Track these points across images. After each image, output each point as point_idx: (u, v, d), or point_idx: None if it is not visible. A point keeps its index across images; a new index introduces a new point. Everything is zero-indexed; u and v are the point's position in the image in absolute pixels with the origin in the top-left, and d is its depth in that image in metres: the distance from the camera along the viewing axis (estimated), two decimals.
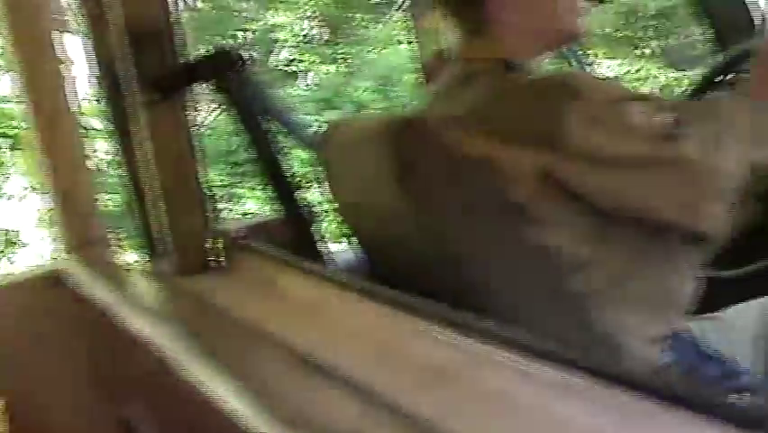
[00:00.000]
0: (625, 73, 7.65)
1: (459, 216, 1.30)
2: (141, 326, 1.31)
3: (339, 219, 1.59)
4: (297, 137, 1.64)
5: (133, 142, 1.57)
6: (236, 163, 5.79)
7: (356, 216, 1.53)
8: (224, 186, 5.70)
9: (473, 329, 0.93)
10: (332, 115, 6.02)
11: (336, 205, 1.57)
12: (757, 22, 2.22)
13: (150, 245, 1.70)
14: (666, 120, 1.27)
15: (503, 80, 1.41)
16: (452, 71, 1.51)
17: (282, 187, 1.53)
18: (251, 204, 5.46)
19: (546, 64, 1.54)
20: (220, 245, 1.60)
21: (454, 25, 1.51)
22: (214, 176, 5.66)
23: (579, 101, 1.28)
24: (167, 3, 1.51)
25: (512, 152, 1.31)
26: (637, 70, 7.77)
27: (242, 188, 5.63)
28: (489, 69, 1.43)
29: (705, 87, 2.02)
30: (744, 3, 2.18)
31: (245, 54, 1.53)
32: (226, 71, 1.50)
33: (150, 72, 1.48)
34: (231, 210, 5.50)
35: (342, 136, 1.49)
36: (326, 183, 1.57)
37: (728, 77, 2.05)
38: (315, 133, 1.63)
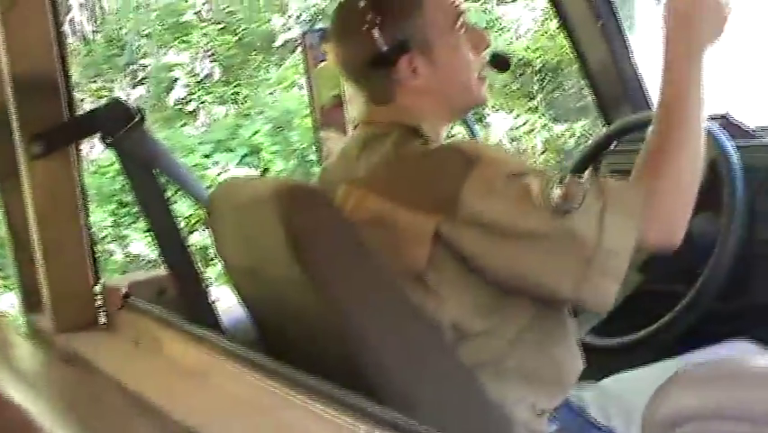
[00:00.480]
0: (517, 127, 7.80)
1: (352, 285, 1.28)
2: (13, 387, 1.26)
3: (227, 279, 1.57)
4: (189, 194, 1.61)
5: (19, 189, 1.52)
6: (126, 203, 5.67)
7: (244, 280, 1.51)
8: (113, 226, 5.56)
9: (357, 409, 0.92)
10: (224, 157, 5.95)
11: (225, 267, 1.54)
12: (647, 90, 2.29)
13: (29, 296, 1.64)
14: (556, 194, 1.30)
15: (406, 145, 1.42)
16: (355, 134, 1.52)
17: (173, 245, 1.49)
18: (138, 245, 5.34)
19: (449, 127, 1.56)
20: (102, 302, 1.55)
21: (362, 88, 1.51)
22: (104, 215, 5.52)
23: (476, 169, 1.30)
24: (60, 50, 1.47)
25: (409, 214, 1.32)
26: (525, 123, 7.94)
27: (131, 228, 5.50)
28: (394, 134, 1.44)
29: (592, 157, 2.07)
30: (634, 72, 2.25)
31: (137, 108, 1.49)
32: (117, 126, 1.46)
33: (35, 124, 1.43)
34: (116, 252, 5.36)
35: (232, 198, 1.46)
36: (215, 244, 1.54)
37: (614, 146, 2.12)
38: (208, 189, 1.60)
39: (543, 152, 8.15)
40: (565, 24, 2.11)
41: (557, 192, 1.30)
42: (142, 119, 1.49)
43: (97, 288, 1.57)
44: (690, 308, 1.75)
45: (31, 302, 1.64)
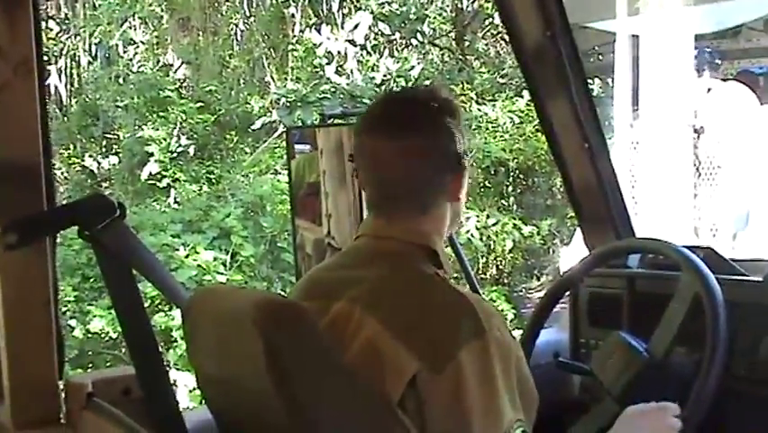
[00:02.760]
0: (487, 227, 7.81)
1: (325, 404, 1.25)
2: None
3: (198, 387, 1.52)
4: (165, 294, 1.56)
5: None
6: (90, 277, 5.58)
7: (215, 388, 1.46)
8: (75, 301, 5.47)
9: None
10: (193, 239, 5.89)
11: (196, 372, 1.49)
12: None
13: None
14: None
15: (422, 271, 1.40)
16: (357, 245, 1.48)
17: (143, 346, 1.44)
18: (99, 323, 5.24)
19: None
20: (63, 400, 1.50)
21: (378, 200, 1.46)
22: (67, 288, 5.42)
23: (482, 340, 1.30)
24: (44, 139, 1.44)
25: (398, 348, 1.30)
26: (496, 222, 7.96)
27: (92, 304, 5.41)
28: (407, 254, 1.41)
29: (550, 307, 2.06)
30: (619, 195, 2.24)
31: (118, 203, 1.46)
32: (97, 220, 1.43)
33: (11, 212, 1.39)
34: (75, 328, 5.25)
35: (210, 306, 1.42)
36: (188, 349, 1.50)
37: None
38: (185, 293, 1.56)
39: (510, 251, 8.18)
40: (552, 144, 2.12)
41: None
42: (123, 214, 1.46)
43: (60, 383, 1.52)
44: None
45: None
